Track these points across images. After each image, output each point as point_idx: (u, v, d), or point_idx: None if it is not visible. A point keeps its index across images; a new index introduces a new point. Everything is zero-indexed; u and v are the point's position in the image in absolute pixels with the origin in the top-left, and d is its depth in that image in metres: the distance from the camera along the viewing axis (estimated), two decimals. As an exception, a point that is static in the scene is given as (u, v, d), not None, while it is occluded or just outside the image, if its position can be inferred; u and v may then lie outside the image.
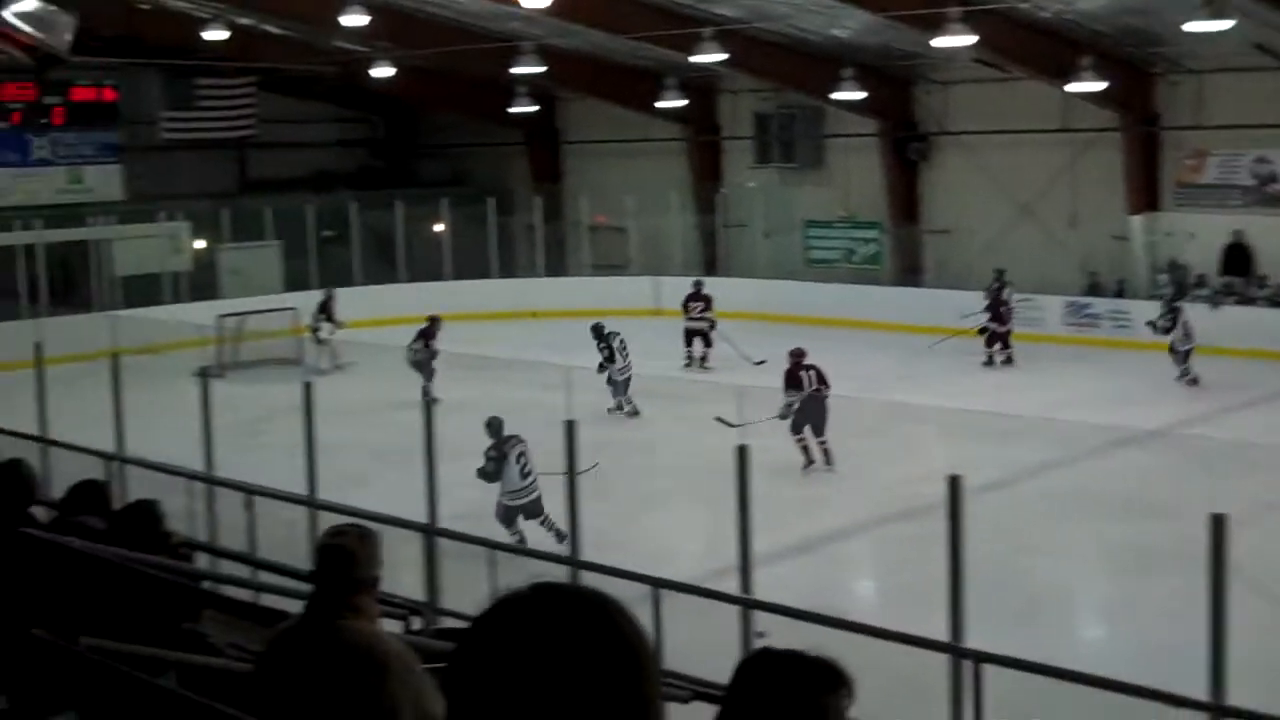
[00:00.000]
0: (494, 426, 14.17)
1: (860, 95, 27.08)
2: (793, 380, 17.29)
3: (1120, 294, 26.39)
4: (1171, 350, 22.03)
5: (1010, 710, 8.13)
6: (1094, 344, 25.17)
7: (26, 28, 20.79)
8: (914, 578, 11.88)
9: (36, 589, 5.98)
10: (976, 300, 25.16)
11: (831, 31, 25.96)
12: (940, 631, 8.03)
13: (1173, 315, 22.21)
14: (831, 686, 2.73)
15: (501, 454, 13.84)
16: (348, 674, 3.95)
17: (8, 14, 19.08)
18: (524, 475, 13.80)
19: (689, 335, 24.99)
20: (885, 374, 23.14)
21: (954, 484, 7.99)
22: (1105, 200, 26.79)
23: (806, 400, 16.86)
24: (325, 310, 25.18)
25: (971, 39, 21.51)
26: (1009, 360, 24.24)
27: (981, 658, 7.31)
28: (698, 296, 25.18)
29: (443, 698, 4.03)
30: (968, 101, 28.32)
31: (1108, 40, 24.34)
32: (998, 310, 24.52)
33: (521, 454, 13.92)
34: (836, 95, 27.17)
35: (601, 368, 20.05)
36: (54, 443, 13.37)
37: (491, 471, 13.81)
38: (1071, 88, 24.22)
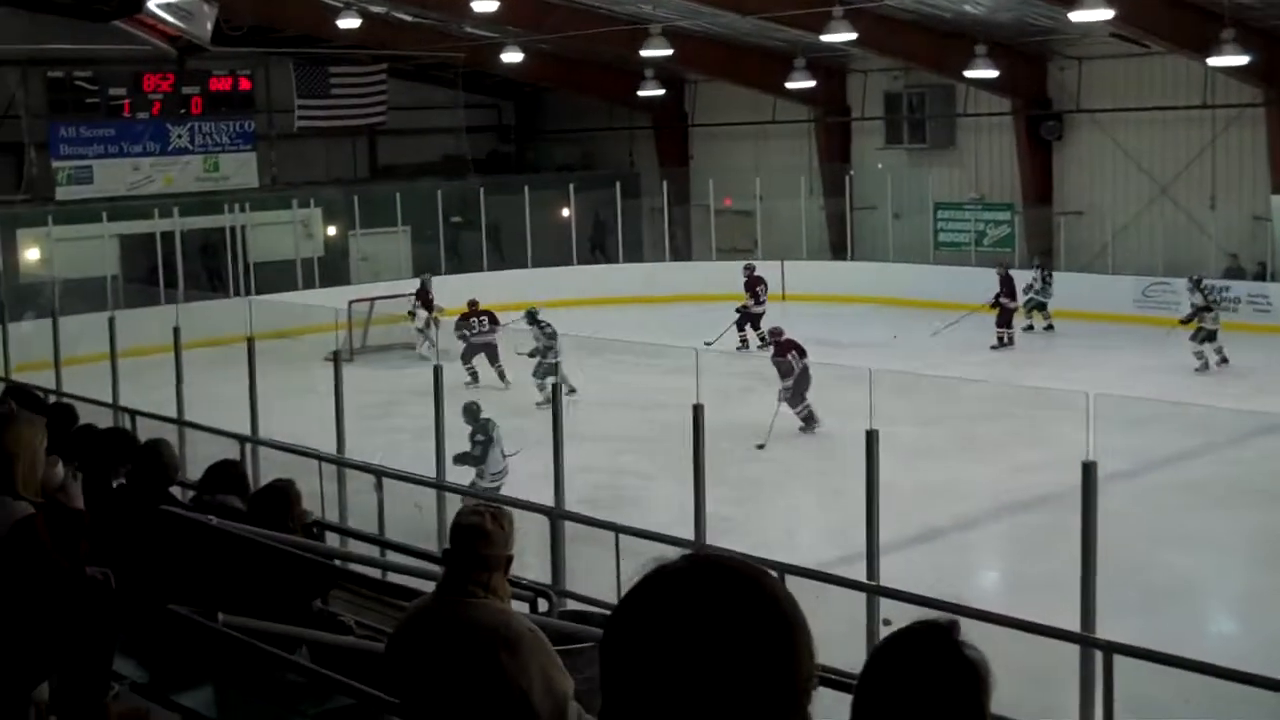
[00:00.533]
0: (472, 411, 14.22)
1: (993, 73, 26.64)
2: (782, 360, 18.38)
3: (1261, 277, 25.68)
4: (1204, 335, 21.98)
5: (1140, 703, 7.99)
6: (1233, 328, 24.49)
7: (170, 18, 21.27)
8: (1041, 567, 11.71)
9: (175, 566, 6.15)
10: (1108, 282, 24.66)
11: (964, 8, 25.57)
12: (1068, 622, 7.91)
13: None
14: (988, 685, 2.57)
15: (489, 437, 13.88)
16: (479, 650, 4.00)
17: (152, 5, 19.56)
18: (504, 456, 13.89)
19: (757, 320, 25.25)
20: (1016, 358, 22.79)
21: (1088, 471, 7.86)
22: (1247, 179, 26.09)
23: (799, 376, 17.88)
24: (421, 296, 25.44)
25: (1109, 13, 21.00)
26: (1011, 341, 24.57)
27: (1113, 648, 7.18)
28: (761, 281, 25.80)
29: (571, 677, 4.06)
30: (1104, 78, 27.71)
31: (1252, 11, 23.62)
32: (1012, 288, 24.82)
33: (499, 436, 13.98)
34: (969, 73, 26.77)
35: (533, 354, 20.40)
36: (192, 424, 13.72)
37: (479, 455, 13.87)
38: (1213, 62, 23.50)
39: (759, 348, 24.27)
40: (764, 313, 25.26)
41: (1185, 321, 22.42)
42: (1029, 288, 25.59)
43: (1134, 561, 11.71)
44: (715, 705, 1.52)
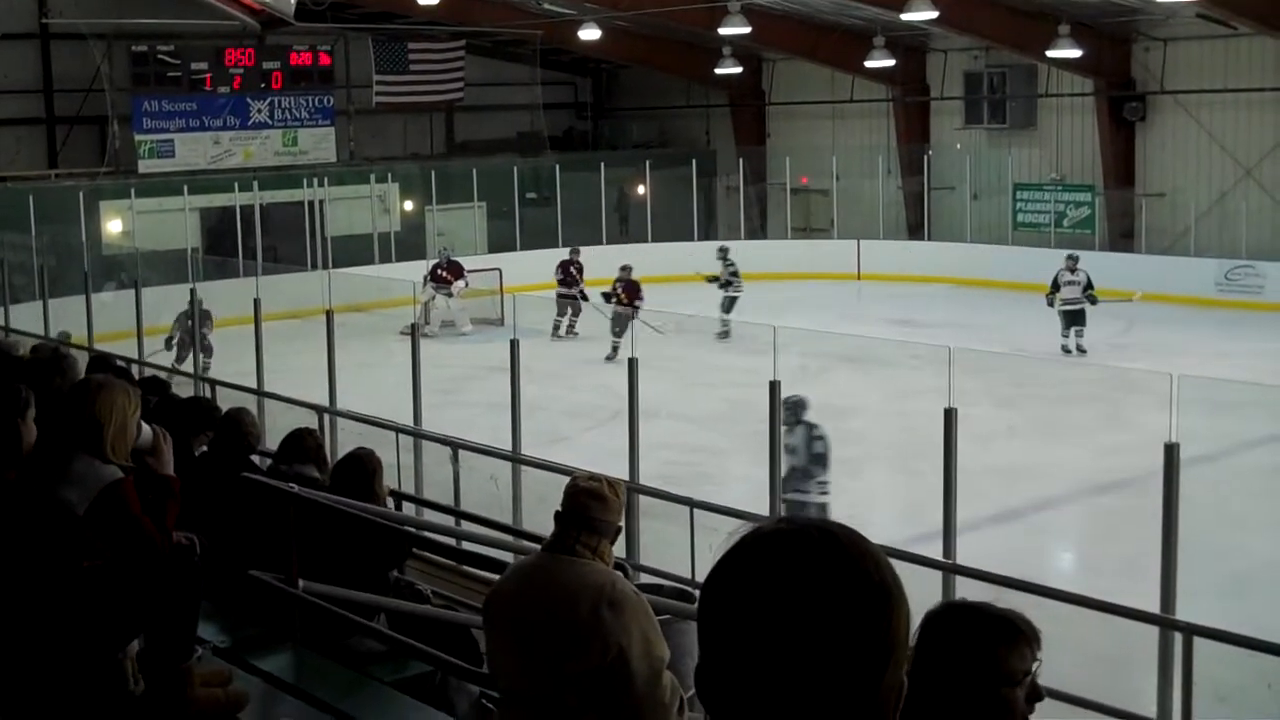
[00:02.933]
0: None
1: (1076, 53, 26.25)
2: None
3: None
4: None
5: (1219, 688, 7.88)
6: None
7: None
8: (1120, 550, 11.59)
9: (256, 533, 6.23)
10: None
11: (1047, -13, 25.28)
12: (1146, 606, 7.82)
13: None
14: (1008, 638, 2.75)
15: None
16: (583, 605, 4.01)
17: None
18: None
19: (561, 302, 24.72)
20: (1097, 341, 22.53)
21: (1170, 452, 7.76)
22: (1333, 162, 25.62)
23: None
24: (434, 274, 25.55)
25: (1198, -8, 20.69)
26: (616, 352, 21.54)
27: (1194, 631, 7.08)
28: (575, 264, 25.76)
29: (667, 645, 4.08)
30: (1189, 59, 27.28)
31: (1343, -9, 23.18)
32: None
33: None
34: (1051, 53, 26.42)
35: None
36: (271, 395, 13.87)
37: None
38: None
39: (570, 332, 24.22)
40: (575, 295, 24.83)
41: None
42: (722, 281, 24.76)
43: (1215, 546, 11.56)
44: (809, 666, 1.52)
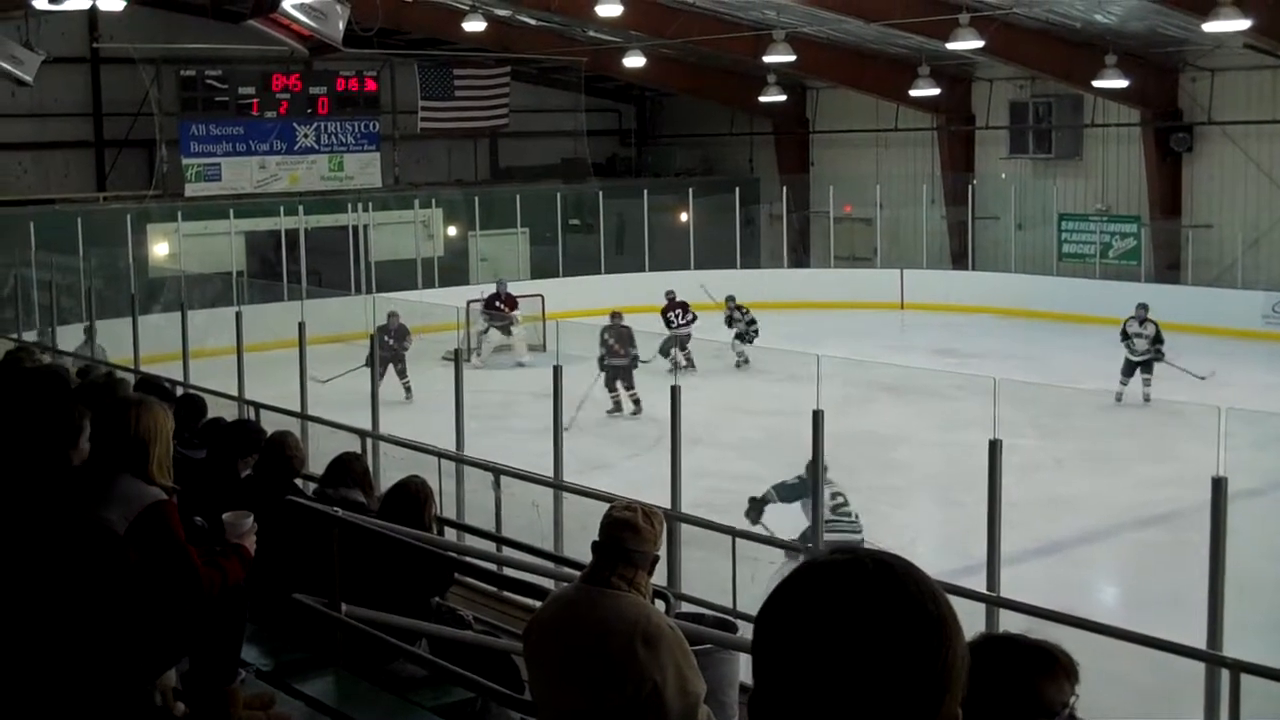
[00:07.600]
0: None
1: (1123, 83, 26.12)
2: None
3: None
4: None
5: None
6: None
7: (304, 19, 21.65)
8: (1164, 584, 11.47)
9: (300, 556, 6.24)
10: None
11: (1095, 17, 25.14)
12: (1191, 641, 7.73)
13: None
14: (1046, 669, 2.72)
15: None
16: (618, 640, 3.98)
17: (287, 6, 19.90)
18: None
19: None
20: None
21: (1218, 486, 7.67)
22: (1384, 195, 25.37)
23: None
24: (489, 304, 25.61)
25: (1245, 23, 20.53)
26: None
27: (1241, 667, 6.99)
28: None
29: (704, 680, 4.04)
30: (1236, 89, 27.10)
31: (1392, 25, 22.96)
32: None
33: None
34: (1098, 83, 26.30)
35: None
36: (314, 419, 13.92)
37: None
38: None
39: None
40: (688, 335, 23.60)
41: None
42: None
43: (1262, 581, 11.42)
44: (864, 697, 1.51)
